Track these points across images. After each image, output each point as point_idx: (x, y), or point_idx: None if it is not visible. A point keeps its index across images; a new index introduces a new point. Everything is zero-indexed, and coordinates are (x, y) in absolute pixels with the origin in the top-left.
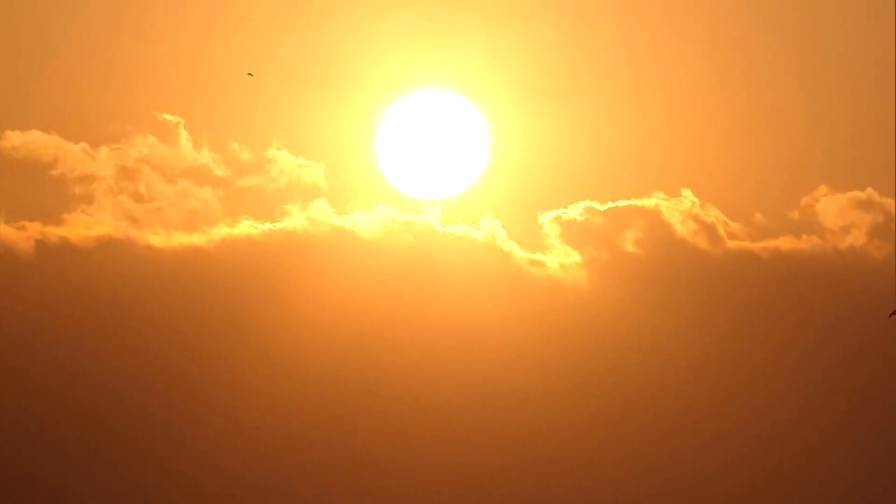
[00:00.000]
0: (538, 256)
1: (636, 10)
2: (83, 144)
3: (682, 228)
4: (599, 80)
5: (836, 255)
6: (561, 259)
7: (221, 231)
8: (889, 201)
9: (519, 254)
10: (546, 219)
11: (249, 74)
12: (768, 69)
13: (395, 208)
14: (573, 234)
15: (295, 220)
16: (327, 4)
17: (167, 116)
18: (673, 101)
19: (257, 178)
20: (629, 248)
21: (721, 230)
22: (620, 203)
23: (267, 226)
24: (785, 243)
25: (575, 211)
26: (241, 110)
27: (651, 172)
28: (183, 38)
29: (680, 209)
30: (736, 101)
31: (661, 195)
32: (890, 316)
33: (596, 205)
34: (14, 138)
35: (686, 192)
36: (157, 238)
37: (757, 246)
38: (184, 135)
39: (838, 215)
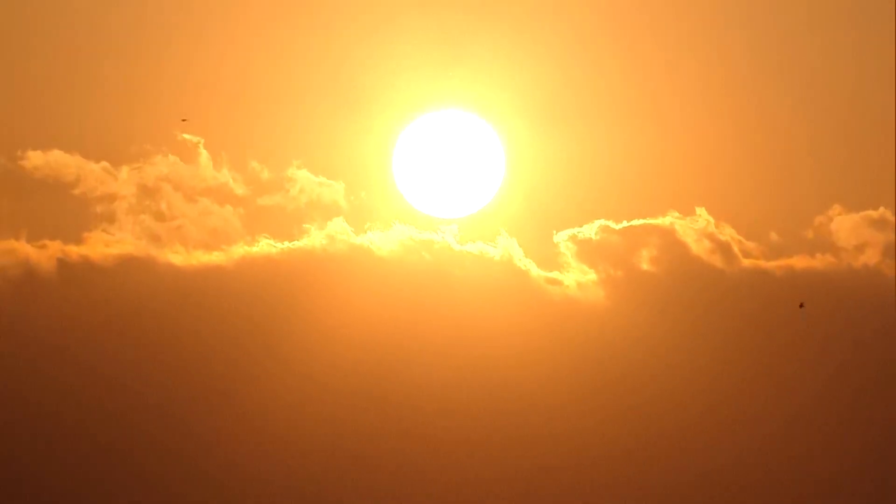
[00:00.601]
0: (555, 275)
1: (651, 34)
2: (104, 163)
3: (697, 247)
4: (613, 102)
5: (850, 274)
6: (577, 277)
7: (241, 249)
8: None
9: (536, 272)
10: (562, 238)
11: (183, 120)
12: (782, 91)
13: (412, 227)
14: (589, 252)
15: (314, 238)
16: (346, 26)
17: (187, 136)
18: (685, 122)
19: (278, 196)
20: (645, 266)
21: (736, 248)
22: (635, 222)
23: (286, 244)
24: (799, 262)
25: (590, 230)
26: (261, 130)
27: (665, 192)
28: (202, 60)
29: (695, 228)
30: (749, 122)
31: (676, 214)
32: (800, 306)
33: (611, 224)
34: (36, 158)
35: (700, 211)
36: (178, 256)
37: (772, 264)
38: (203, 154)
39: (852, 234)
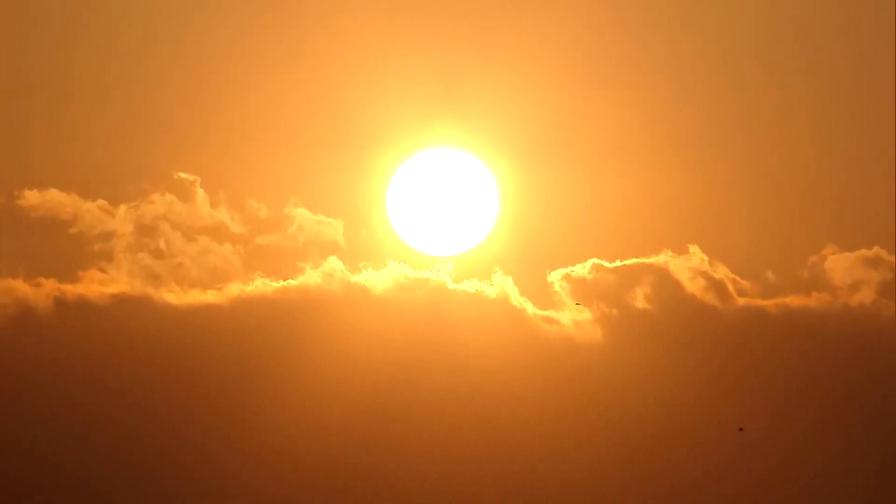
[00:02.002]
0: (551, 314)
1: (643, 73)
2: (101, 202)
3: (692, 285)
4: (604, 141)
5: (846, 313)
6: (574, 316)
7: (237, 288)
8: None
9: (532, 311)
10: (556, 277)
11: None
12: (774, 131)
13: (406, 265)
14: (583, 291)
15: (309, 277)
16: (341, 66)
17: (183, 175)
18: (677, 161)
19: (276, 235)
20: (640, 304)
21: (730, 287)
22: (629, 261)
23: (280, 283)
24: (795, 300)
25: (583, 269)
26: (258, 168)
27: (658, 230)
28: (198, 99)
29: (689, 266)
30: (741, 161)
31: (669, 253)
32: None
33: (604, 262)
34: (33, 197)
35: (694, 249)
36: (174, 295)
37: (767, 303)
38: (200, 193)
39: (846, 273)
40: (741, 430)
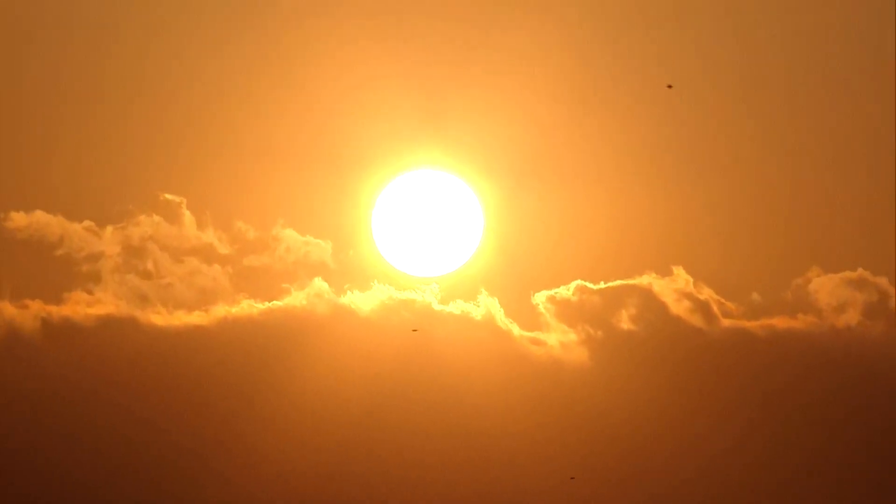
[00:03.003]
0: (538, 335)
1: (629, 93)
2: (88, 223)
3: (677, 307)
4: (588, 162)
5: (832, 335)
6: (560, 338)
7: (223, 310)
8: (882, 280)
9: (518, 332)
10: (540, 298)
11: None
12: (756, 152)
13: (391, 287)
14: (568, 313)
15: (295, 298)
16: (327, 85)
17: (169, 196)
18: (660, 183)
19: (264, 256)
20: (625, 326)
21: (715, 308)
22: (613, 283)
23: (266, 305)
24: (781, 322)
25: (567, 291)
26: (244, 189)
27: (641, 252)
28: (184, 120)
29: (673, 288)
30: (724, 183)
31: (653, 275)
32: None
33: (589, 284)
34: (19, 219)
35: (678, 271)
36: (160, 317)
37: (753, 324)
38: (187, 214)
39: (831, 295)
40: (572, 479)
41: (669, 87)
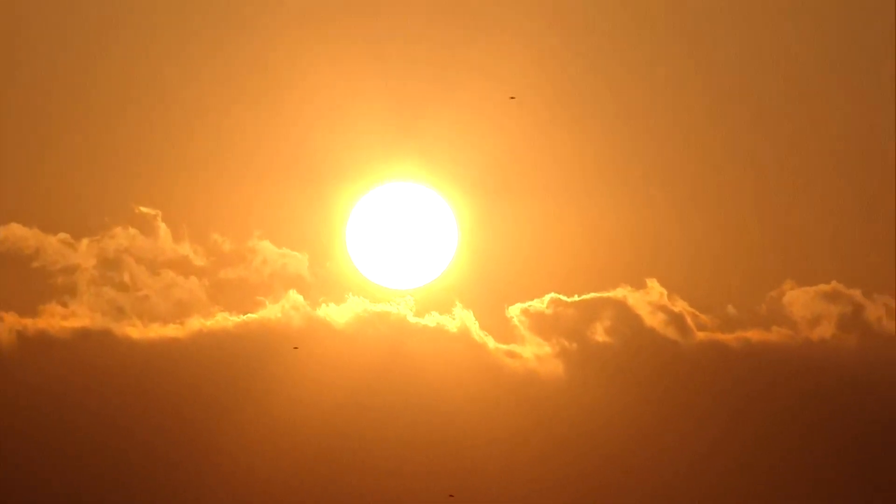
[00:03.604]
0: (513, 347)
1: (602, 105)
2: (63, 235)
3: (651, 319)
4: (562, 175)
5: (807, 347)
6: (535, 350)
7: (198, 323)
8: (856, 292)
9: (494, 345)
10: (515, 311)
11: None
12: (730, 165)
13: (366, 300)
14: (542, 325)
15: (270, 311)
16: (302, 97)
17: (144, 209)
18: (633, 195)
19: (240, 269)
20: (599, 339)
21: (690, 321)
22: (587, 296)
23: (241, 318)
24: (756, 335)
25: (542, 303)
26: (220, 202)
27: (615, 264)
28: (159, 133)
29: (647, 300)
30: (698, 196)
31: (628, 287)
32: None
33: (563, 297)
34: None
35: (652, 283)
36: (135, 330)
37: (727, 337)
38: (162, 227)
39: (806, 308)
40: (451, 496)
41: (512, 98)
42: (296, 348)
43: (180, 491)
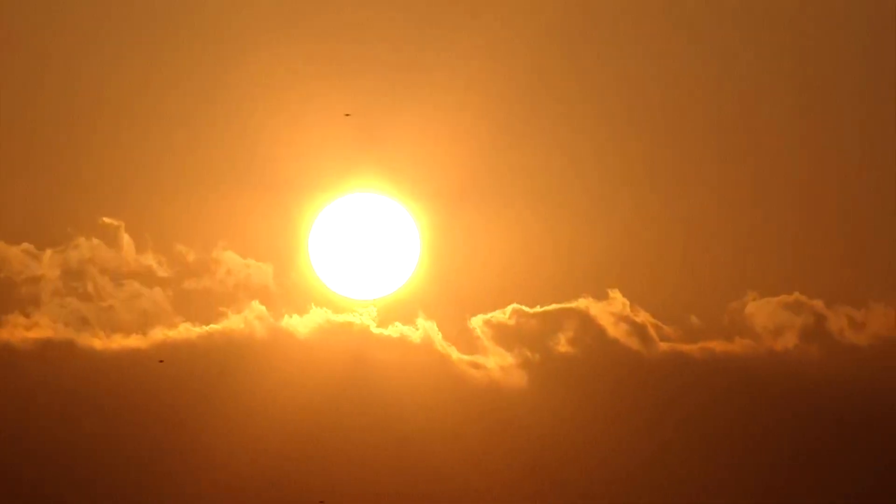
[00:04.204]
0: (476, 358)
1: (560, 115)
2: (27, 245)
3: (614, 330)
4: (522, 186)
5: (770, 358)
6: (499, 361)
7: (160, 334)
8: (818, 303)
9: (457, 356)
10: (477, 322)
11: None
12: (690, 175)
13: (329, 310)
14: (505, 336)
15: (233, 322)
16: (265, 107)
17: (107, 219)
18: (594, 205)
19: (205, 279)
20: (562, 349)
21: (652, 332)
22: (549, 307)
23: (204, 328)
24: (719, 346)
25: (504, 314)
26: (184, 212)
27: (576, 275)
28: (120, 142)
29: (610, 311)
30: (658, 206)
31: (589, 298)
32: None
33: (525, 308)
34: None
35: (614, 294)
36: (98, 341)
37: (690, 347)
38: (125, 237)
39: (768, 319)
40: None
41: (347, 115)
42: (161, 361)
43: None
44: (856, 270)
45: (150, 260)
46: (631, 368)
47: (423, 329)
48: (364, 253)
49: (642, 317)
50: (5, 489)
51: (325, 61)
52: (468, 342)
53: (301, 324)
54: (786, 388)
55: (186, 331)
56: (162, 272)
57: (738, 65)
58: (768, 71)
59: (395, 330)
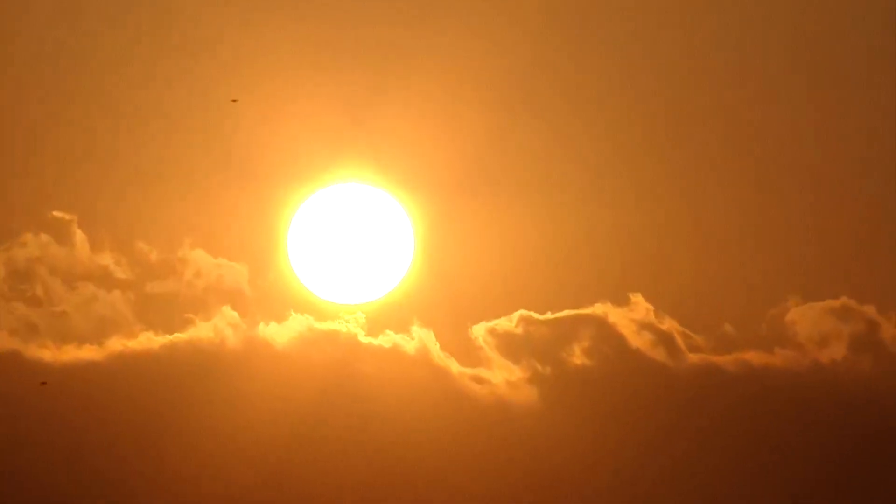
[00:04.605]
0: (480, 372)
1: (577, 92)
2: None
3: (636, 340)
4: (532, 175)
5: (816, 371)
6: (505, 375)
7: (118, 344)
8: (870, 308)
9: (458, 369)
10: (480, 331)
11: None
12: (727, 161)
13: (310, 317)
14: (512, 346)
15: (201, 330)
16: (239, 88)
17: (58, 213)
18: (613, 197)
19: (170, 282)
20: (577, 362)
21: (680, 341)
22: (561, 313)
23: (168, 338)
24: (756, 358)
25: (510, 322)
26: (146, 205)
27: (593, 277)
28: (74, 125)
29: (631, 318)
30: (686, 198)
31: (608, 303)
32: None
33: (534, 314)
34: None
35: (637, 298)
36: (48, 352)
37: (724, 359)
38: (79, 234)
39: (813, 326)
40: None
41: (234, 101)
42: (44, 384)
43: None
44: None
45: (107, 259)
46: (656, 383)
47: (419, 338)
48: (351, 251)
49: (668, 324)
50: None
51: (306, 40)
52: (470, 353)
53: (279, 332)
54: (833, 406)
55: (148, 340)
56: (120, 273)
57: (779, 51)
58: (813, 59)
59: (386, 339)
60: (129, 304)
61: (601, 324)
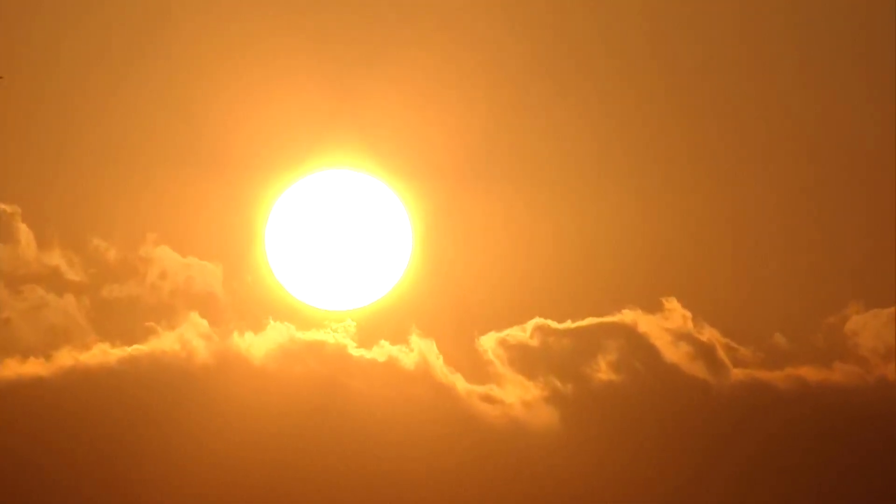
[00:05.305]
0: (490, 389)
1: (600, 76)
2: None
3: (670, 352)
4: (549, 163)
5: (880, 388)
6: (519, 393)
7: (69, 357)
8: None
9: (464, 386)
10: (489, 342)
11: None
12: (779, 152)
13: (292, 325)
14: (526, 360)
15: (165, 341)
16: (214, 69)
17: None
18: (643, 189)
19: (131, 284)
20: (603, 377)
21: (722, 354)
22: (583, 322)
23: (126, 350)
24: (810, 373)
25: (524, 332)
26: (103, 197)
27: (620, 280)
28: (18, 105)
29: (664, 327)
30: (730, 190)
31: (637, 310)
32: None
33: (551, 323)
34: None
35: (671, 304)
36: None
37: (774, 375)
38: (23, 228)
39: (877, 337)
40: None
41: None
42: None
43: None
44: None
45: (56, 259)
46: (695, 403)
47: (419, 350)
48: (339, 249)
49: (709, 334)
50: None
51: (289, 15)
52: (478, 368)
53: (256, 344)
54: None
55: (104, 353)
56: (73, 275)
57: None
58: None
59: (380, 351)
60: (83, 311)
61: (630, 333)
